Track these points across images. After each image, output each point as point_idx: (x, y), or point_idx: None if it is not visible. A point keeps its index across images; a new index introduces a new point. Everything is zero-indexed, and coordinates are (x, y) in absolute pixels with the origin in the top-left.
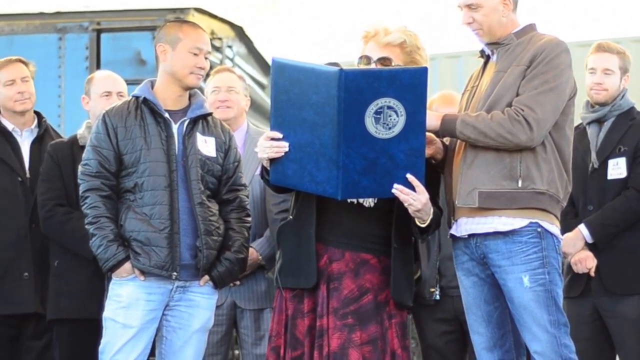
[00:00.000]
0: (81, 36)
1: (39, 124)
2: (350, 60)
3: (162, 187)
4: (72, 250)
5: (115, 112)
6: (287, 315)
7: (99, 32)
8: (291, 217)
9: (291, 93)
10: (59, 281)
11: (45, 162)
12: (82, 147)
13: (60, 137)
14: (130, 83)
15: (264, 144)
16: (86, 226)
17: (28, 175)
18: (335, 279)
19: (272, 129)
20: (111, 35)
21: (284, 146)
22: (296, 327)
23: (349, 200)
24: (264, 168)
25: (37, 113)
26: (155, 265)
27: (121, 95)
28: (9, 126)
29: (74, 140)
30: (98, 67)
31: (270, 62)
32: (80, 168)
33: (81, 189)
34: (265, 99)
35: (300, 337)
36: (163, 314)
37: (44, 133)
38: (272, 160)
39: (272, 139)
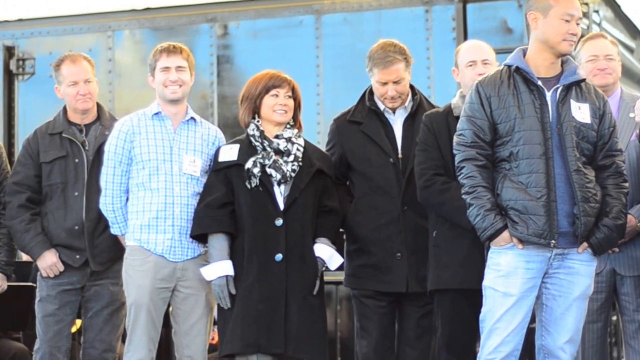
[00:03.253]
0: (448, 8)
1: (413, 99)
2: None
3: (537, 156)
4: (451, 220)
5: (488, 82)
6: None
7: (465, 3)
8: None
9: None
10: (438, 252)
11: (422, 132)
12: (457, 118)
13: (434, 106)
14: (498, 52)
15: None
16: (463, 196)
17: (400, 156)
18: None
19: None
20: (477, 5)
21: None
22: None
23: None
24: None
25: (411, 87)
26: (533, 233)
27: (486, 64)
28: (381, 106)
29: (449, 111)
30: (465, 38)
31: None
32: (455, 139)
33: (457, 159)
34: (635, 64)
35: None
36: (542, 282)
37: (418, 109)
38: None
39: None
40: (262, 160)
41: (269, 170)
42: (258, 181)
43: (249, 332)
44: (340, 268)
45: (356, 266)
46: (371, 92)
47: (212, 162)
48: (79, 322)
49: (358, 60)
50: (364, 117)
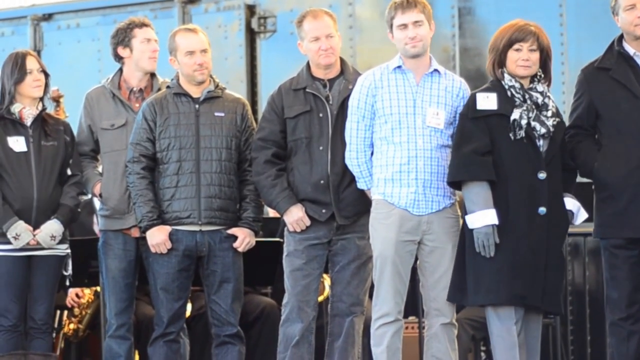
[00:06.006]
0: None
1: None
2: None
3: None
4: None
5: None
6: None
7: None
8: None
9: None
10: None
11: None
12: None
13: None
14: None
15: None
16: None
17: None
18: None
19: None
20: None
21: None
22: None
23: None
24: None
25: None
26: None
27: None
28: (630, 51)
29: None
30: None
31: None
32: None
33: None
34: None
35: None
36: None
37: None
38: None
39: None
40: (526, 112)
41: (533, 123)
42: (523, 133)
43: (516, 283)
44: (588, 220)
45: (606, 215)
46: (620, 39)
47: (465, 108)
48: (326, 293)
49: (603, 7)
50: (612, 63)
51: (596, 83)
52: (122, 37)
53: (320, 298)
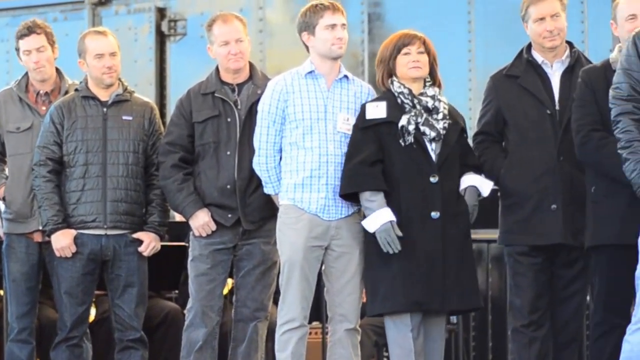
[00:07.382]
0: None
1: (571, 54)
2: None
3: None
4: (609, 176)
5: None
6: None
7: None
8: None
9: None
10: (597, 207)
11: (579, 87)
12: (614, 72)
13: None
14: None
15: None
16: (619, 151)
17: (557, 107)
18: None
19: None
20: None
21: None
22: None
23: None
24: None
25: (569, 43)
26: None
27: None
28: (539, 59)
29: (607, 65)
30: None
31: None
32: (611, 92)
33: (613, 113)
34: None
35: None
36: None
37: (575, 63)
38: None
39: None
40: (414, 118)
41: (422, 128)
42: (412, 138)
43: (412, 289)
44: (494, 225)
45: (511, 222)
46: (529, 47)
47: (356, 119)
48: (230, 282)
49: (511, 14)
50: (520, 71)
51: (504, 90)
52: (15, 48)
53: (225, 290)
